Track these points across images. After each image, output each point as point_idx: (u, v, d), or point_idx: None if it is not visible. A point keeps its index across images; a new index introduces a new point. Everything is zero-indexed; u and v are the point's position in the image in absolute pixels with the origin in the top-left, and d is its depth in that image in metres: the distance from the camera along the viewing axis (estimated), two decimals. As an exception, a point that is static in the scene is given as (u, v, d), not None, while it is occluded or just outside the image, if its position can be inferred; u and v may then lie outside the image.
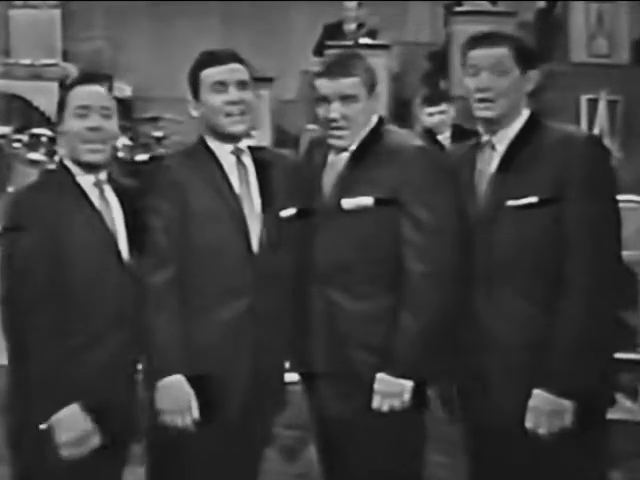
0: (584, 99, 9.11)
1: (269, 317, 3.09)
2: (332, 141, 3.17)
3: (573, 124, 8.64)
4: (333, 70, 3.15)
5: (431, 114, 6.40)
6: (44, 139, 8.07)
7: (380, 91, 3.30)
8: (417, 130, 6.95)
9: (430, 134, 6.29)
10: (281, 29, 10.99)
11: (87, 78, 3.19)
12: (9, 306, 2.89)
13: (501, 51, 3.05)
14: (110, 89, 2.97)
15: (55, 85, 9.29)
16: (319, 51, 9.72)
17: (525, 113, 3.12)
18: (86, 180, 3.06)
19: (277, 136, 9.42)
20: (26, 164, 7.91)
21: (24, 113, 9.03)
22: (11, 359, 2.95)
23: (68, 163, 3.07)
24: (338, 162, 3.19)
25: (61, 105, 3.08)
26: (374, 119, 3.21)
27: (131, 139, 8.45)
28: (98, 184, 3.07)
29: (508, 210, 3.01)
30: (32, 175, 7.51)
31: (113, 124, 3.07)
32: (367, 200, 3.09)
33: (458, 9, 9.71)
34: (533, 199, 2.98)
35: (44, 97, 9.06)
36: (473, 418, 3.14)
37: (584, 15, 9.62)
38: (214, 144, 3.19)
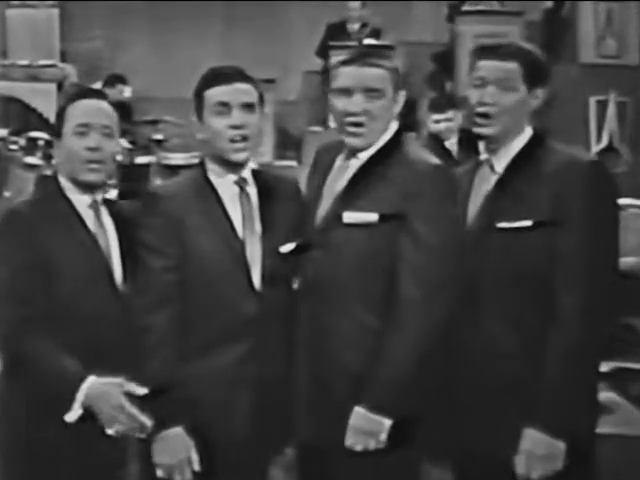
0: (593, 101, 9.04)
1: (273, 358, 2.94)
2: (347, 139, 2.95)
3: (581, 127, 8.84)
4: (359, 58, 2.93)
5: (437, 121, 6.35)
6: (41, 143, 7.96)
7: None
8: (423, 135, 6.87)
9: (437, 140, 6.26)
10: (282, 29, 10.91)
11: (88, 92, 3.13)
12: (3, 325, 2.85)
13: (511, 66, 2.92)
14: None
15: (53, 87, 9.27)
16: (322, 51, 9.69)
17: (527, 132, 3.00)
18: (81, 201, 2.99)
19: (279, 138, 9.38)
20: (23, 168, 7.81)
21: (21, 115, 8.96)
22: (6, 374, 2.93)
23: (63, 181, 3.00)
24: (346, 169, 3.00)
25: (60, 119, 3.00)
26: (393, 127, 3.00)
27: (131, 142, 8.41)
28: (94, 205, 3.00)
29: (499, 232, 2.88)
30: (29, 180, 7.51)
31: (114, 143, 2.99)
32: (371, 216, 2.88)
33: (465, 9, 9.64)
34: (527, 222, 2.84)
35: (42, 99, 9.01)
36: (458, 457, 2.97)
37: (593, 15, 9.49)
38: (216, 174, 3.02)
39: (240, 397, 2.91)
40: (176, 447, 2.85)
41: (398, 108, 3.00)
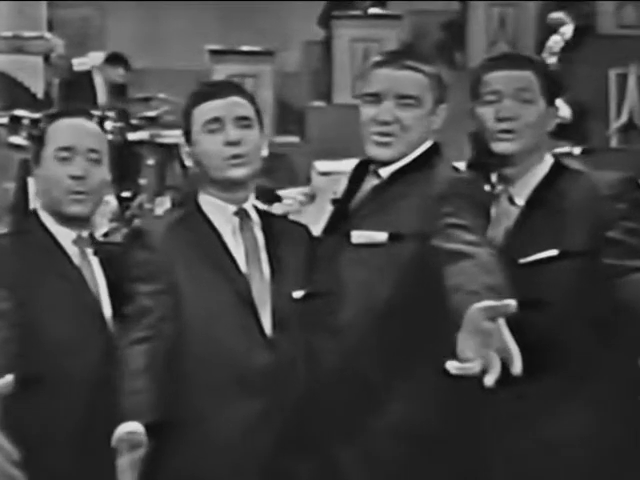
0: (612, 74, 8.76)
1: (290, 418, 2.57)
2: (373, 150, 2.63)
3: (601, 102, 8.52)
4: (395, 60, 2.65)
5: None
6: (25, 122, 7.76)
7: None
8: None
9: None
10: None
11: (73, 110, 2.81)
12: None
13: (526, 75, 2.66)
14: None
15: (40, 60, 9.08)
16: (324, 21, 9.60)
17: (548, 160, 2.69)
18: (65, 235, 2.70)
19: (279, 112, 9.21)
20: (7, 147, 7.63)
21: (7, 91, 8.72)
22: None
23: (43, 215, 2.72)
24: (368, 184, 2.69)
25: (39, 141, 2.73)
26: (427, 144, 2.66)
27: (121, 119, 8.28)
28: (79, 242, 2.69)
29: (521, 268, 2.54)
30: (13, 159, 7.38)
31: (103, 171, 2.70)
32: (380, 235, 2.56)
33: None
34: (553, 252, 2.53)
35: (28, 73, 8.83)
36: None
37: (610, -18, 9.44)
38: (212, 205, 2.69)
39: (252, 464, 2.55)
40: None
41: (437, 124, 2.67)
